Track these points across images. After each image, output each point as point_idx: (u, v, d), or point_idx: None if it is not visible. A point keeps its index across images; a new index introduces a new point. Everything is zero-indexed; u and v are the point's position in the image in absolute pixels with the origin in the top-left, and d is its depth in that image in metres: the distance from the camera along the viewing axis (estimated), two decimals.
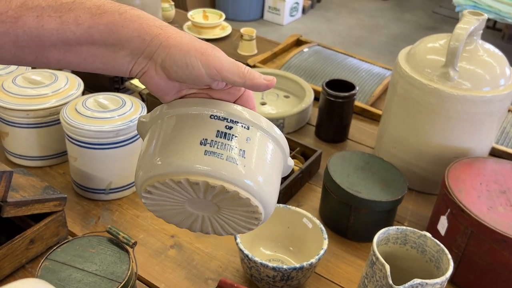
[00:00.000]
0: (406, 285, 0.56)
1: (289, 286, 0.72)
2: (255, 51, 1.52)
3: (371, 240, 0.65)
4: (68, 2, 0.40)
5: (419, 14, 4.33)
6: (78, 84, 0.99)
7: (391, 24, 4.15)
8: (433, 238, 0.64)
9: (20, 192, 0.74)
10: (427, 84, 0.89)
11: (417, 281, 0.56)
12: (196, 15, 1.65)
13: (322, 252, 0.72)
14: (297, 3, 3.87)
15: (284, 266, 0.69)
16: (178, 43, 0.41)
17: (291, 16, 3.88)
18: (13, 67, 1.05)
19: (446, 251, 0.62)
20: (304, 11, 4.06)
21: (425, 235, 0.65)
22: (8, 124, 0.93)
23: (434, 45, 0.95)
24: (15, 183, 0.76)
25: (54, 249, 0.64)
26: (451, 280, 0.79)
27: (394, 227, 0.65)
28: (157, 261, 0.80)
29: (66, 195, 0.79)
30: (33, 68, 1.02)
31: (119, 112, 0.86)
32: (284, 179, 0.95)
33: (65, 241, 0.65)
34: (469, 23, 0.86)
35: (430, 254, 0.64)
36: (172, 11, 1.68)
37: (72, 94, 0.95)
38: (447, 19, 4.20)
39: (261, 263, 0.69)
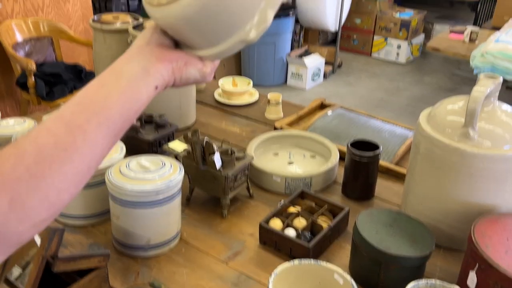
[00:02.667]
0: None
1: None
2: (281, 115, 1.60)
3: None
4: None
5: (438, 77, 4.43)
6: (120, 148, 1.07)
7: (411, 86, 4.25)
8: None
9: (69, 248, 0.80)
10: (448, 143, 0.94)
11: None
12: (226, 82, 1.76)
13: None
14: (319, 69, 4.04)
15: None
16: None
17: (313, 81, 4.03)
18: None
19: None
20: (325, 76, 4.22)
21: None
22: None
23: (453, 106, 1.00)
24: (64, 239, 0.82)
25: None
26: None
27: (423, 280, 0.67)
28: None
29: (109, 251, 0.84)
30: None
31: (159, 173, 0.93)
32: (313, 236, 0.98)
33: None
34: (486, 86, 0.92)
35: None
36: None
37: (115, 157, 1.03)
38: (466, 81, 4.29)
39: None
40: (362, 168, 1.15)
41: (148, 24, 0.55)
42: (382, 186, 1.24)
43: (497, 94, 0.97)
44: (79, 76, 2.54)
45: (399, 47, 4.71)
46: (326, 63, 4.21)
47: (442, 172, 0.96)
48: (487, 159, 0.91)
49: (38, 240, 0.74)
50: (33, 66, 2.27)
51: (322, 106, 1.64)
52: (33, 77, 2.35)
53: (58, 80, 2.43)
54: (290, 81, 3.99)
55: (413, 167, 1.04)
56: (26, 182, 0.42)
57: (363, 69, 4.61)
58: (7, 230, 0.41)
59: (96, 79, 0.51)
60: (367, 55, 4.92)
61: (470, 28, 3.14)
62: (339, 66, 4.51)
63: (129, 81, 0.50)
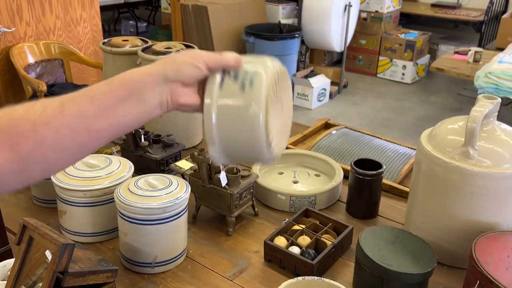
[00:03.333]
0: None
1: None
2: None
3: None
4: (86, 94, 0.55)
5: (444, 96, 4.46)
6: (129, 166, 1.10)
7: (417, 106, 4.28)
8: None
9: (78, 264, 0.82)
10: (449, 162, 0.96)
11: None
12: None
13: None
14: (324, 89, 4.08)
15: None
16: (175, 57, 0.59)
17: (319, 101, 4.07)
18: None
19: None
20: (331, 96, 4.26)
21: None
22: (66, 203, 1.04)
23: (453, 126, 1.02)
24: (74, 255, 0.84)
25: None
26: None
27: None
28: None
29: (117, 267, 0.86)
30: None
31: (166, 191, 0.95)
32: (317, 253, 1.00)
33: None
34: (484, 106, 0.95)
35: None
36: None
37: (123, 176, 1.06)
38: (472, 100, 4.29)
39: None
40: (365, 186, 1.17)
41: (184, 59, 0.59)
42: (386, 204, 1.26)
43: (495, 114, 0.99)
44: None
45: (404, 67, 4.75)
46: (332, 83, 4.26)
47: (443, 190, 0.98)
48: (487, 178, 0.92)
49: (49, 255, 0.76)
50: (43, 88, 2.33)
51: (327, 126, 1.67)
52: (43, 98, 2.40)
53: None
54: (296, 101, 4.03)
55: (415, 186, 1.06)
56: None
57: (369, 89, 4.65)
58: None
59: (119, 87, 0.55)
60: (372, 75, 4.96)
61: (474, 49, 3.18)
62: (345, 86, 4.55)
63: (144, 112, 0.56)
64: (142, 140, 1.22)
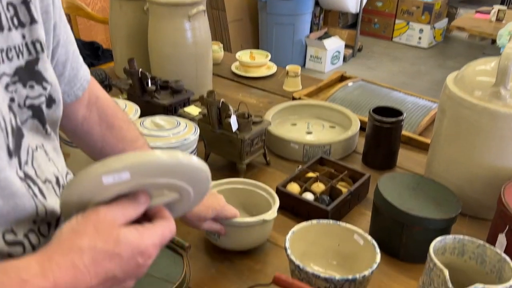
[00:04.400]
0: None
1: None
2: (300, 87, 1.56)
3: (424, 261, 0.63)
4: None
5: (461, 61, 4.30)
6: (135, 109, 1.04)
7: (434, 70, 4.15)
8: (493, 247, 0.62)
9: None
10: (477, 103, 0.89)
11: (479, 286, 0.54)
12: (243, 55, 1.72)
13: (375, 265, 0.71)
14: (338, 51, 3.96)
15: (337, 277, 0.68)
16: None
17: (333, 64, 3.96)
18: None
19: (508, 259, 0.60)
20: (345, 59, 4.14)
21: (484, 245, 0.62)
22: (70, 145, 0.99)
23: (483, 67, 0.95)
24: None
25: None
26: None
27: (451, 236, 0.63)
28: (208, 274, 0.80)
29: None
30: None
31: (174, 131, 0.90)
32: (332, 201, 0.95)
33: None
34: None
35: (491, 264, 0.62)
36: (221, 53, 1.77)
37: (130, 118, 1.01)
38: None
39: (313, 274, 0.68)
40: (384, 135, 1.10)
41: None
42: (405, 156, 1.19)
43: None
44: (96, 54, 2.53)
45: (421, 31, 4.58)
46: (346, 46, 4.13)
47: (470, 135, 0.91)
48: None
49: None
50: None
51: (342, 79, 1.59)
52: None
53: None
54: (309, 64, 3.92)
55: (438, 133, 0.99)
56: None
57: (384, 53, 4.51)
58: None
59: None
60: (388, 40, 4.81)
61: (497, 7, 3.03)
62: (359, 50, 4.42)
63: None
64: (149, 85, 1.17)
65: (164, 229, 0.48)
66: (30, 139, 0.53)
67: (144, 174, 0.45)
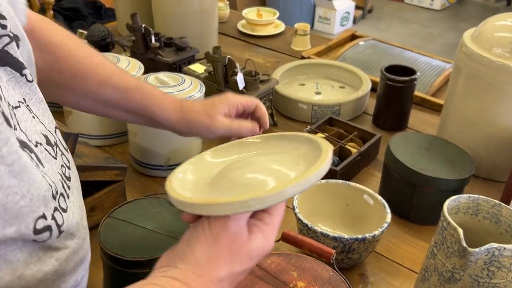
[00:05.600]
0: (482, 248, 0.52)
1: (350, 259, 0.69)
2: (309, 46, 1.51)
3: (435, 223, 0.61)
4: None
5: (475, 23, 4.16)
6: (139, 66, 1.01)
7: (446, 33, 4.04)
8: (509, 206, 0.59)
9: (84, 159, 0.76)
10: (495, 60, 0.84)
11: (494, 245, 0.52)
12: (250, 13, 1.67)
13: (385, 225, 0.69)
14: (348, 12, 3.86)
15: (346, 236, 0.66)
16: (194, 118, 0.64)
17: (342, 25, 3.86)
18: None
19: None
20: (355, 21, 4.03)
21: (499, 204, 0.60)
22: None
23: (502, 23, 0.90)
24: (79, 151, 0.78)
25: (116, 208, 0.65)
26: None
27: (465, 195, 0.61)
28: None
29: (126, 165, 0.80)
30: None
31: (178, 88, 0.87)
32: (342, 161, 0.92)
33: (127, 202, 0.66)
34: None
35: (506, 224, 0.60)
36: (227, 10, 1.71)
37: (133, 75, 0.97)
38: None
39: (321, 233, 0.67)
40: (396, 94, 1.07)
41: None
42: (416, 117, 1.16)
43: None
44: (98, 12, 2.47)
45: None
46: (356, 7, 4.01)
47: (487, 94, 0.87)
48: None
49: None
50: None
51: (353, 38, 1.54)
52: (51, 11, 2.30)
53: (78, 15, 2.37)
54: (317, 25, 3.82)
55: (453, 92, 0.96)
56: None
57: (395, 15, 4.39)
58: None
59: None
60: (399, 1, 4.67)
61: None
62: (370, 11, 4.30)
63: None
64: (153, 41, 1.13)
65: (281, 218, 0.46)
66: (10, 96, 0.43)
67: None
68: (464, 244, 0.52)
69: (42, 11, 2.39)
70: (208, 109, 0.63)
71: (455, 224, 0.55)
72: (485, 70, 0.86)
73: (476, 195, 0.61)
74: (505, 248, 0.52)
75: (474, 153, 0.92)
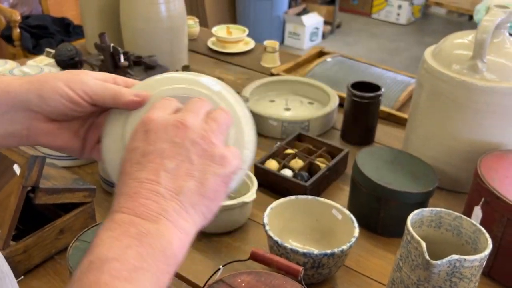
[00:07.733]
0: (444, 260, 0.54)
1: (320, 274, 0.70)
2: (278, 63, 1.53)
3: (401, 235, 0.63)
4: None
5: (440, 38, 4.29)
6: None
7: (412, 47, 4.16)
8: (469, 218, 0.62)
9: (51, 181, 0.75)
10: (454, 77, 0.88)
11: (455, 257, 0.54)
12: (220, 30, 1.69)
13: (353, 239, 0.70)
14: (317, 28, 3.93)
15: (315, 252, 0.67)
16: (48, 77, 0.42)
17: (311, 41, 3.93)
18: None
19: (484, 230, 0.60)
20: (324, 36, 4.11)
21: (460, 217, 0.63)
22: None
23: (460, 40, 0.94)
24: (46, 173, 0.77)
25: (85, 231, 0.64)
26: (488, 274, 0.75)
27: (428, 208, 0.63)
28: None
29: (95, 187, 0.80)
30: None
31: None
32: (311, 176, 0.94)
33: (96, 224, 0.66)
34: (496, 15, 0.86)
35: (467, 235, 0.62)
36: (197, 28, 1.72)
37: None
38: None
39: (291, 249, 0.68)
40: (362, 110, 1.10)
41: None
42: (383, 131, 1.19)
43: (507, 25, 0.91)
44: (66, 30, 2.45)
45: (400, 7, 4.58)
46: (325, 23, 4.10)
47: (447, 108, 0.91)
48: (496, 93, 0.86)
49: (17, 170, 0.69)
50: (17, 17, 2.18)
51: (321, 54, 1.58)
52: (18, 29, 2.26)
53: (45, 33, 2.34)
54: (288, 40, 3.88)
55: (416, 107, 0.99)
56: None
57: (363, 30, 4.50)
58: None
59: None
60: (367, 16, 4.79)
61: None
62: (338, 26, 4.40)
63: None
64: (122, 60, 1.13)
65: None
66: None
67: None
68: (427, 257, 0.54)
69: (8, 29, 2.35)
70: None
71: (418, 238, 0.57)
72: (445, 86, 0.90)
73: (439, 208, 0.63)
74: (465, 259, 0.54)
75: (437, 166, 0.95)
